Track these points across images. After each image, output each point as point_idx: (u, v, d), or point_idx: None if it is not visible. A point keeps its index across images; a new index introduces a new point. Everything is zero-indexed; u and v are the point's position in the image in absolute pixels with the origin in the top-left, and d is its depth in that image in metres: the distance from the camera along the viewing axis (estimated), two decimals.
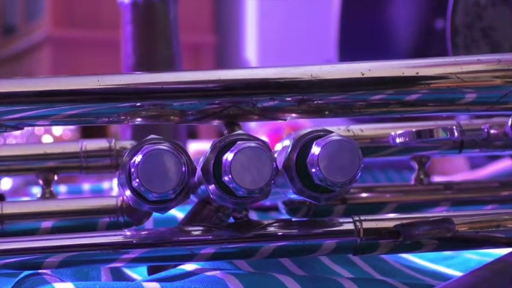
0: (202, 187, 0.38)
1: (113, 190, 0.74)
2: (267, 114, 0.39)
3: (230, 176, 0.36)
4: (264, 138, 0.38)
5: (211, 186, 0.37)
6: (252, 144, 0.36)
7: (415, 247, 0.40)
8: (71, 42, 2.52)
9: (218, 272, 0.39)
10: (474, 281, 0.36)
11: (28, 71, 2.65)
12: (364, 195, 0.48)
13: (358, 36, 1.18)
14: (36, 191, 0.49)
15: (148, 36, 0.71)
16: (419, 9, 1.18)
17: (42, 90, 0.38)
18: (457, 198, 0.48)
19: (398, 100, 0.39)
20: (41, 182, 0.47)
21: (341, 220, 0.40)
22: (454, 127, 0.44)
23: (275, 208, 0.52)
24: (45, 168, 0.47)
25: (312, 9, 2.05)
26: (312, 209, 0.46)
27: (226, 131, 0.39)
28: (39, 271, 0.39)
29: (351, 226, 0.40)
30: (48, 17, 2.56)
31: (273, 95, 0.39)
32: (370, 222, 0.40)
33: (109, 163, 0.48)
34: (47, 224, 0.44)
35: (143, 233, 0.39)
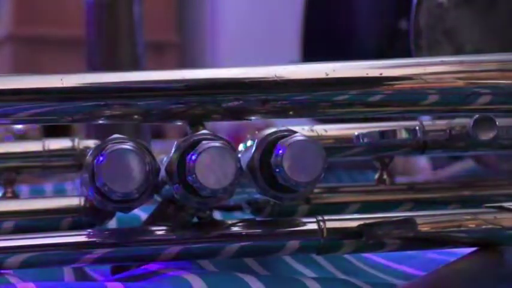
0: (167, 187, 0.38)
1: (76, 190, 0.73)
2: (231, 114, 0.39)
3: (194, 176, 0.36)
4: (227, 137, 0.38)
5: (175, 186, 0.37)
6: (217, 144, 0.36)
7: (378, 247, 0.40)
8: (33, 40, 2.49)
9: (182, 271, 0.39)
10: (437, 279, 0.37)
11: None
12: (327, 195, 0.48)
13: (322, 37, 1.18)
14: None
15: (112, 35, 0.70)
16: (383, 9, 1.18)
17: (4, 88, 0.37)
18: (420, 199, 0.48)
19: (362, 101, 0.39)
20: (2, 181, 0.47)
21: (304, 220, 0.40)
22: (417, 128, 0.44)
23: (239, 208, 0.52)
24: (7, 168, 0.47)
25: (276, 9, 2.05)
26: (275, 209, 0.46)
27: (190, 131, 0.39)
28: (1, 271, 0.39)
29: (314, 226, 0.40)
30: (10, 14, 2.54)
31: (237, 95, 0.39)
32: (333, 222, 0.40)
33: (72, 162, 0.47)
34: (8, 224, 0.44)
35: (106, 232, 0.39)
